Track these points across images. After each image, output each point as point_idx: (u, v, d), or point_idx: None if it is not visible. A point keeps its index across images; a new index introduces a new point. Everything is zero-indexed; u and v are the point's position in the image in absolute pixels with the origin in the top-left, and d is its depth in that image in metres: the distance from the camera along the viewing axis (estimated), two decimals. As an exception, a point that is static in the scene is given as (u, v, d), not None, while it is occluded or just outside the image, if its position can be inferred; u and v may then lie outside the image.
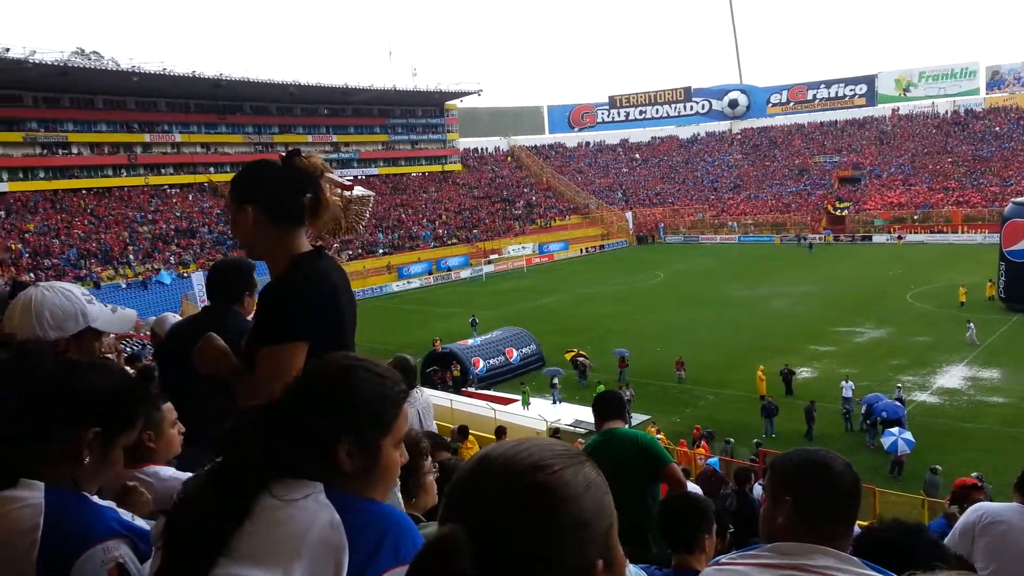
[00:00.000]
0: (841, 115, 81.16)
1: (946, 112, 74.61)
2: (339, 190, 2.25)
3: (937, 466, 16.10)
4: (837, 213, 64.10)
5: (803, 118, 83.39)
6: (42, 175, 51.84)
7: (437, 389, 23.83)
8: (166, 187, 58.09)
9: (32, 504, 1.47)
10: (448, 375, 25.64)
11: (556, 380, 23.23)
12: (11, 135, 50.92)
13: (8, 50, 44.85)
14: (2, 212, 47.47)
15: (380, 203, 65.92)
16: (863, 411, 19.64)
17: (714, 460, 15.87)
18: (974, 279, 35.46)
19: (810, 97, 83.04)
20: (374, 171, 71.91)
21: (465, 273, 56.04)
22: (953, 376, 24.10)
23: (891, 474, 17.03)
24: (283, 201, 2.05)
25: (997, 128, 68.80)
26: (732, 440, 18.49)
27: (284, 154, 2.14)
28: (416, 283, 52.97)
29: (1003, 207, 38.04)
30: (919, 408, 21.03)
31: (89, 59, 55.87)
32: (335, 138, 70.00)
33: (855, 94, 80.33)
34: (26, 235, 44.88)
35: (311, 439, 1.32)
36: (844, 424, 20.21)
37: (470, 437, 12.13)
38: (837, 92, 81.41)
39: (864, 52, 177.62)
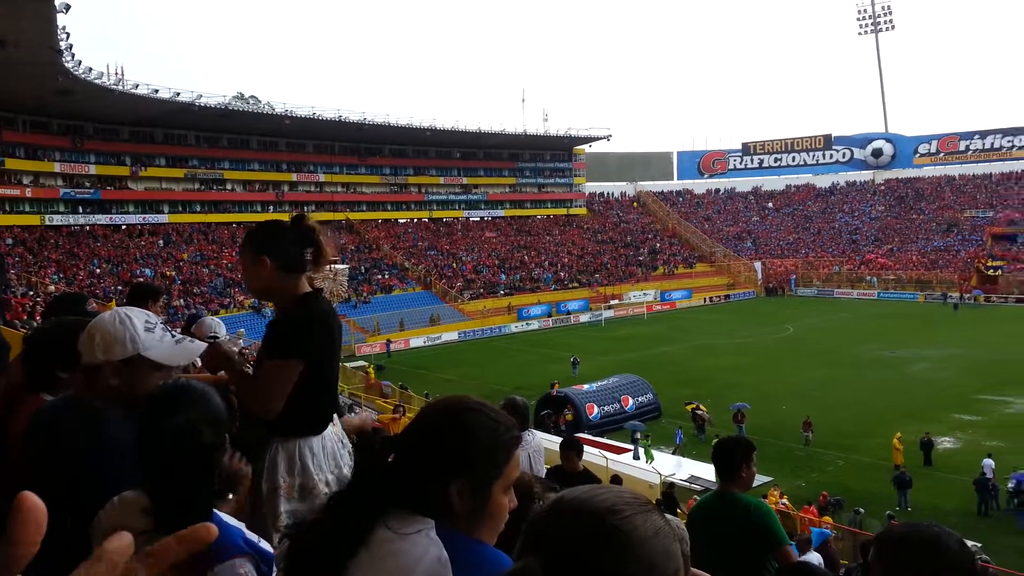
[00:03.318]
0: (996, 168, 75.65)
1: (1122, 166, 68.09)
2: (331, 263, 2.84)
3: None
4: (989, 272, 59.34)
5: (954, 170, 78.30)
6: (198, 208, 56.33)
7: (550, 432, 23.70)
8: (307, 223, 61.64)
9: None
10: (562, 419, 25.46)
11: (638, 435, 22.57)
12: (175, 171, 55.86)
13: (179, 95, 49.44)
14: (161, 241, 51.91)
15: (503, 244, 67.21)
16: (1010, 487, 17.89)
17: (823, 531, 14.83)
18: None
19: (962, 148, 77.95)
20: (500, 212, 73.46)
21: (584, 317, 55.84)
22: (1125, 459, 21.51)
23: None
24: (292, 254, 2.53)
25: None
26: (862, 510, 17.29)
27: (293, 216, 2.70)
28: (535, 325, 53.28)
29: None
30: (1082, 492, 18.86)
31: (247, 103, 60.78)
32: (465, 180, 72.18)
33: (1013, 146, 74.74)
34: (180, 264, 48.75)
35: (426, 476, 1.37)
36: (980, 503, 18.41)
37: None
38: (993, 143, 76.04)
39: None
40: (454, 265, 60.82)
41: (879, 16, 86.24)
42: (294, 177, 62.22)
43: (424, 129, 63.79)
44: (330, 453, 2.66)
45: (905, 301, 59.21)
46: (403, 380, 33.03)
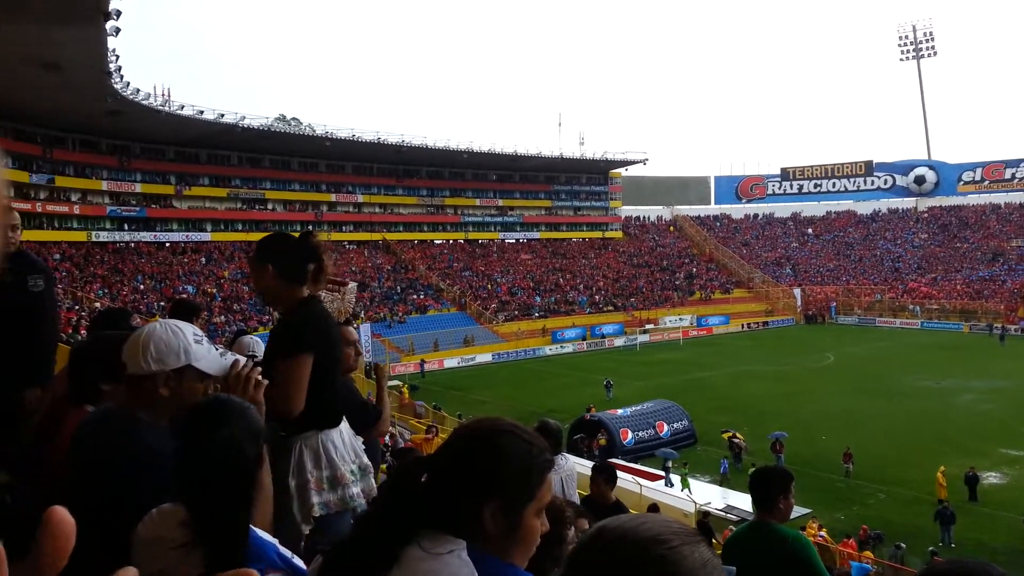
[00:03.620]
0: (1044, 196, 73.80)
1: None
2: (337, 283, 3.27)
3: None
4: (1038, 303, 57.66)
5: (999, 198, 76.54)
6: (240, 227, 57.40)
7: (583, 457, 23.49)
8: (345, 243, 62.50)
9: None
10: (595, 444, 25.22)
11: (670, 463, 22.24)
12: (218, 190, 57.07)
13: (223, 116, 50.66)
14: (203, 259, 52.93)
15: (539, 266, 67.22)
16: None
17: (863, 566, 14.41)
18: None
19: (1008, 176, 76.19)
20: (536, 235, 73.61)
21: (619, 341, 55.46)
22: None
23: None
24: (294, 266, 2.71)
25: None
26: (903, 546, 16.79)
27: (302, 232, 2.87)
28: (569, 348, 53.04)
29: None
30: None
31: (289, 125, 62.02)
32: (501, 202, 72.55)
33: (1064, 172, 72.88)
34: (221, 281, 49.63)
35: (459, 497, 1.37)
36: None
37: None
38: (1040, 171, 74.19)
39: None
40: (489, 287, 60.97)
41: (921, 42, 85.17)
42: (333, 197, 63.13)
43: (461, 151, 64.36)
44: (349, 444, 2.84)
45: (949, 331, 57.77)
46: (437, 400, 33.07)
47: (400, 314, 52.30)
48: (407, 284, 58.28)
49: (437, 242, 68.06)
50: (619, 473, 22.21)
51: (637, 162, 75.04)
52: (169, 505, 1.66)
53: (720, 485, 21.92)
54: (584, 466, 20.83)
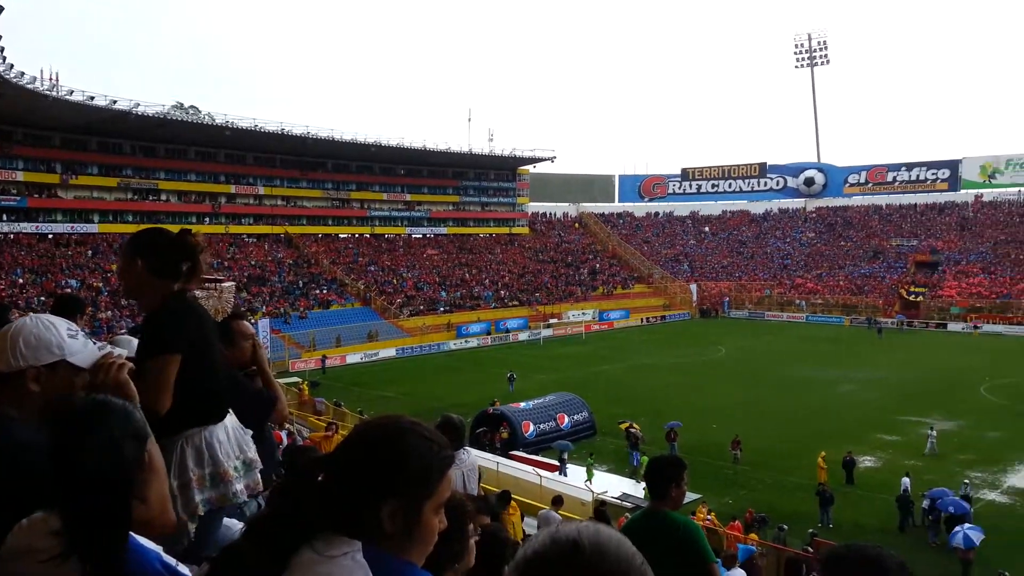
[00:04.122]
0: (921, 199, 79.30)
1: (1033, 200, 72.12)
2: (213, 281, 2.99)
3: (1005, 572, 15.15)
4: (911, 298, 62.04)
5: (881, 200, 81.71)
6: (131, 219, 54.73)
7: (485, 450, 23.77)
8: (245, 236, 60.59)
9: None
10: (497, 437, 25.54)
11: (565, 455, 22.80)
12: (107, 180, 54.23)
13: (115, 102, 48.15)
14: (89, 251, 50.24)
15: (445, 261, 67.17)
16: (925, 506, 18.69)
17: (749, 548, 15.23)
18: (1057, 376, 33.68)
19: (890, 179, 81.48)
20: (443, 230, 73.52)
21: (523, 336, 56.17)
22: (1028, 477, 22.74)
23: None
24: (165, 261, 2.61)
25: (1089, 219, 65.99)
26: (785, 528, 17.77)
27: (180, 229, 2.74)
28: (474, 342, 53.31)
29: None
30: (988, 507, 19.89)
31: (187, 113, 59.52)
32: (408, 197, 72.04)
33: (937, 178, 78.50)
34: (109, 275, 47.27)
35: (357, 497, 1.34)
36: (900, 519, 19.18)
37: (512, 503, 11.97)
38: (918, 175, 79.72)
39: (948, 136, 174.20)
40: (394, 281, 60.49)
41: (815, 51, 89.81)
42: (232, 189, 61.10)
43: (369, 145, 63.51)
44: (234, 440, 2.80)
45: (832, 325, 61.39)
46: (338, 397, 32.63)
47: (302, 309, 51.22)
48: (309, 279, 57.10)
49: (342, 236, 66.97)
50: (521, 465, 22.51)
51: (545, 160, 76.10)
52: (40, 514, 1.52)
53: (632, 477, 22.44)
54: (486, 460, 21.21)
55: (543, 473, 20.90)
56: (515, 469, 21.28)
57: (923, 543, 18.11)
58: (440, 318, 55.44)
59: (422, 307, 56.78)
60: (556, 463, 22.97)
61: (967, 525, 16.65)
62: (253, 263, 56.36)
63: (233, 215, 60.77)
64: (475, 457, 6.30)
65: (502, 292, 63.35)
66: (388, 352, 48.51)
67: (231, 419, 2.85)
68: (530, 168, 79.79)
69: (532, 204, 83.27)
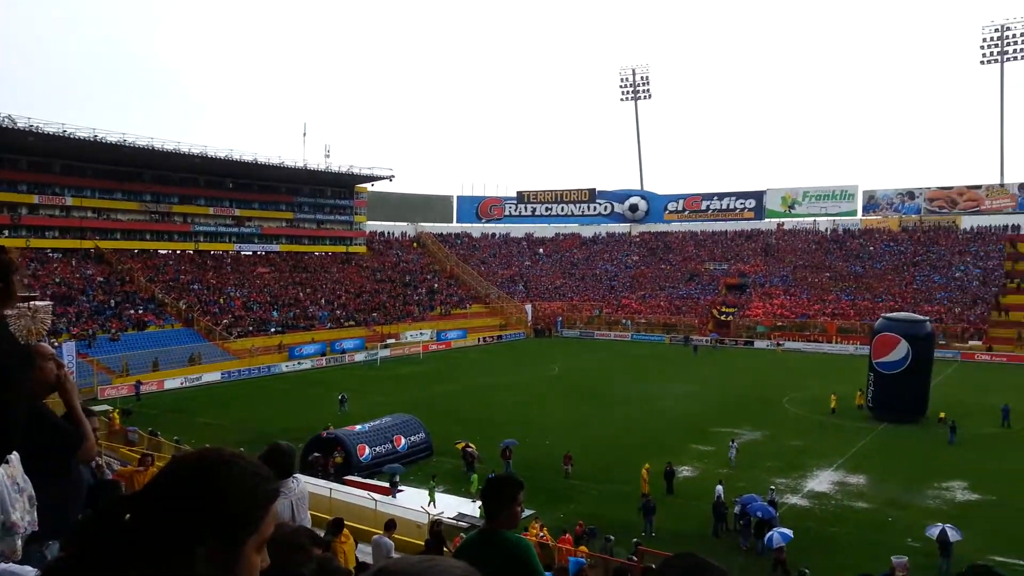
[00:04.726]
0: (731, 226, 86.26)
1: (826, 230, 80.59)
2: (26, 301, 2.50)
3: (806, 569, 16.64)
4: (722, 318, 67.37)
5: (697, 226, 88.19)
6: (-92, 228, 48.34)
7: (318, 476, 23.00)
8: (49, 251, 55.21)
9: None
10: (331, 462, 24.79)
11: (397, 478, 22.69)
12: None
13: None
14: None
15: (277, 280, 64.64)
16: (737, 511, 20.17)
17: (578, 560, 15.83)
18: (845, 388, 37.63)
19: (704, 207, 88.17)
20: (275, 247, 70.76)
21: (360, 356, 55.10)
22: (823, 480, 25.21)
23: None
24: None
25: (871, 248, 74.71)
26: (612, 538, 18.55)
27: None
28: (308, 364, 51.58)
29: (874, 321, 40.81)
30: (790, 511, 21.78)
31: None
32: (237, 212, 68.66)
33: (745, 208, 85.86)
34: None
35: (169, 539, 1.22)
36: (714, 525, 20.59)
37: (345, 531, 11.64)
38: (729, 204, 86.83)
39: (756, 170, 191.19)
40: (221, 301, 57.32)
41: (638, 85, 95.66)
42: (35, 199, 55.47)
43: (194, 156, 59.92)
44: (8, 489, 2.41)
45: (654, 342, 65.26)
46: (154, 426, 30.33)
47: (113, 331, 47.24)
48: (123, 297, 52.81)
49: (162, 252, 62.64)
50: (355, 490, 21.92)
51: (384, 178, 75.40)
52: None
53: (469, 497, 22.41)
54: (319, 487, 20.51)
55: (378, 497, 20.52)
56: (349, 495, 20.73)
57: (736, 547, 19.55)
58: (271, 339, 53.16)
59: (252, 328, 54.19)
60: (388, 486, 22.62)
61: (778, 527, 18.17)
62: (58, 280, 51.37)
63: (35, 228, 55.20)
64: (305, 485, 6.06)
65: (338, 312, 61.84)
66: (213, 376, 45.79)
67: (15, 461, 2.50)
68: (368, 186, 78.80)
69: (370, 223, 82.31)
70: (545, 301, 76.33)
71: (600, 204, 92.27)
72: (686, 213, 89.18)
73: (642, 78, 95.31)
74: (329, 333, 57.29)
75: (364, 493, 20.87)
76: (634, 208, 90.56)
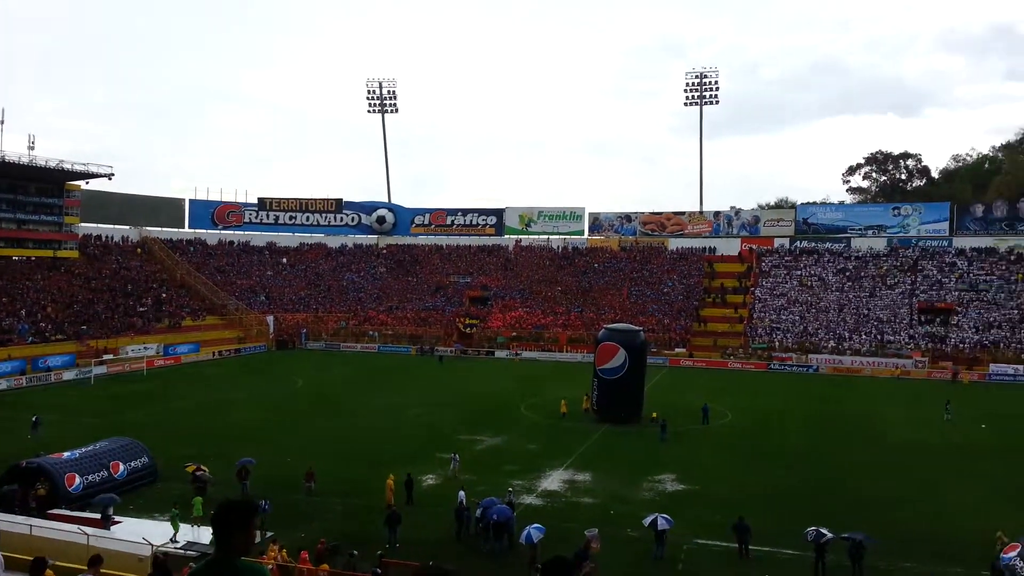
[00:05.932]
0: (475, 241, 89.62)
1: (558, 247, 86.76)
2: None
3: (354, 551, 17.86)
4: (466, 330, 69.76)
5: (442, 240, 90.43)
6: None
7: (15, 512, 20.04)
8: None
9: None
10: (32, 494, 21.68)
11: (111, 509, 20.65)
12: None
13: None
14: None
15: (-36, 288, 55.27)
16: (478, 514, 20.93)
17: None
18: (574, 393, 40.69)
19: (449, 222, 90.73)
20: (-39, 250, 60.51)
21: (69, 374, 48.91)
22: (554, 480, 27.05)
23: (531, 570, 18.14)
24: None
25: (596, 264, 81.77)
26: (356, 553, 18.30)
27: None
28: (3, 384, 44.66)
29: (598, 331, 44.62)
30: (527, 510, 23.03)
31: None
32: (-92, 206, 57.74)
33: (487, 224, 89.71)
34: None
35: None
36: (456, 529, 21.20)
37: (48, 571, 10.26)
38: (472, 220, 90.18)
39: (498, 188, 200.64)
40: None
41: (386, 99, 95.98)
42: None
43: None
44: None
45: (400, 354, 65.76)
46: None
47: None
48: None
49: None
50: (63, 524, 19.56)
51: (101, 176, 67.38)
52: None
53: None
54: (17, 524, 17.92)
55: (90, 531, 18.31)
56: (55, 530, 18.27)
57: (477, 549, 20.27)
58: (-47, 356, 45.30)
59: (-74, 343, 45.76)
60: (99, 517, 20.29)
61: (534, 525, 19.15)
62: None
63: None
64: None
65: (43, 325, 54.33)
66: None
67: None
68: (82, 184, 70.15)
69: (84, 225, 73.14)
70: (289, 312, 73.50)
71: (347, 215, 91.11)
72: (432, 227, 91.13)
73: (389, 92, 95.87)
74: (32, 348, 50.19)
75: (74, 527, 18.52)
76: (381, 220, 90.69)
